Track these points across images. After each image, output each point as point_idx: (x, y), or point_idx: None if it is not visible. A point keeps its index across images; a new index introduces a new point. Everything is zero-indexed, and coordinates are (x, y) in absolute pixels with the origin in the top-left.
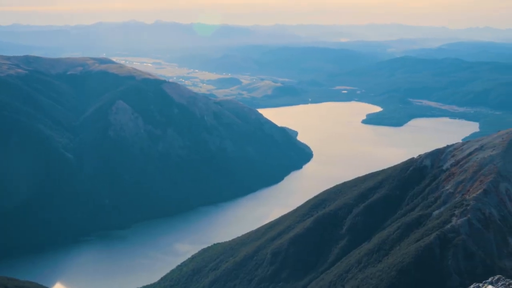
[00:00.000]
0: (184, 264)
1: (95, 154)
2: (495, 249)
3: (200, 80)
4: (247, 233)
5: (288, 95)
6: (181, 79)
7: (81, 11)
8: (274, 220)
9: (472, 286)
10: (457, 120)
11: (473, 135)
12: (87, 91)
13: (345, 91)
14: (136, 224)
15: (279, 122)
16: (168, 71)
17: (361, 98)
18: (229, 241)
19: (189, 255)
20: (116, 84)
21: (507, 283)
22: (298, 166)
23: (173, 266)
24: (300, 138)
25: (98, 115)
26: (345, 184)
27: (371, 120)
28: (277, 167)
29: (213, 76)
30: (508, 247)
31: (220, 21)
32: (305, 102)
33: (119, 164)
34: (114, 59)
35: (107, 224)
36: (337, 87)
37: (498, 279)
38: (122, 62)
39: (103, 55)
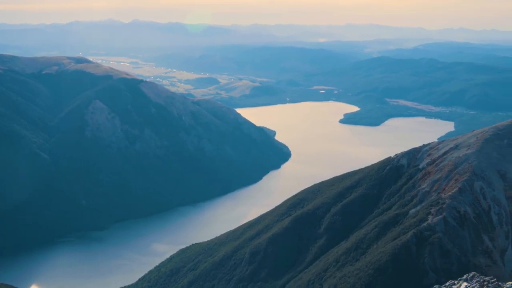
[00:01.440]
0: (162, 264)
1: (71, 154)
2: (470, 246)
3: (178, 80)
4: (226, 233)
5: (266, 95)
6: (158, 79)
7: (57, 9)
8: (253, 219)
9: (447, 283)
10: (433, 120)
11: (449, 134)
12: (63, 90)
13: (323, 91)
14: (113, 225)
15: (257, 122)
16: (145, 71)
17: (339, 98)
18: (208, 241)
19: (167, 256)
20: (92, 83)
21: (481, 280)
22: (276, 166)
23: (151, 267)
24: (278, 137)
25: (74, 115)
26: (323, 184)
27: (348, 119)
28: (256, 167)
29: (191, 75)
30: (482, 244)
31: (210, 21)
32: (283, 102)
33: (96, 165)
34: (90, 58)
35: (84, 225)
36: (315, 87)
37: (473, 276)
38: (99, 61)
39: (79, 54)
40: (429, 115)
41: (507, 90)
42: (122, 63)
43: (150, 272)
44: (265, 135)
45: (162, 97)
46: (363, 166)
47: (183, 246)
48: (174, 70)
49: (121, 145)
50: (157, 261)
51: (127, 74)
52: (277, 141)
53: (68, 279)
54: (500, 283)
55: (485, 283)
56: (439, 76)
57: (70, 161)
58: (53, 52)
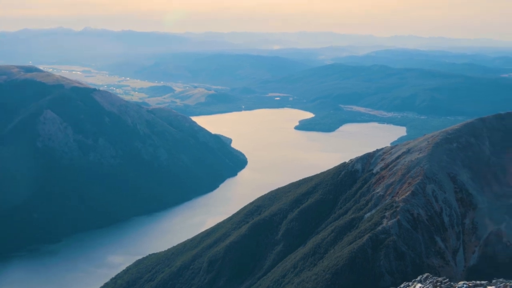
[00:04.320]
0: (118, 276)
1: (22, 166)
2: (424, 248)
3: (132, 88)
4: (183, 242)
5: (222, 103)
6: (112, 87)
7: (5, 17)
8: (210, 228)
9: (402, 285)
10: (385, 125)
11: (401, 139)
12: (12, 100)
13: (278, 98)
14: (67, 238)
15: (213, 130)
16: (98, 79)
17: (294, 104)
18: (165, 251)
19: (123, 267)
20: (43, 93)
21: (434, 281)
22: (233, 173)
23: (107, 279)
24: (234, 145)
25: (24, 126)
26: (279, 190)
27: (303, 126)
28: (212, 175)
29: (145, 84)
30: (435, 245)
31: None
32: (239, 109)
33: (48, 176)
34: (41, 67)
35: (37, 239)
36: (270, 94)
37: (426, 277)
38: (50, 70)
39: (29, 63)
40: (381, 120)
41: (455, 95)
42: (74, 72)
43: (106, 284)
44: (221, 142)
45: (116, 106)
46: (318, 172)
47: (140, 257)
48: (128, 78)
49: (74, 155)
50: (113, 273)
51: (79, 83)
52: (233, 148)
53: None
54: (452, 283)
55: (438, 283)
56: (391, 82)
57: (21, 173)
58: (1, 61)
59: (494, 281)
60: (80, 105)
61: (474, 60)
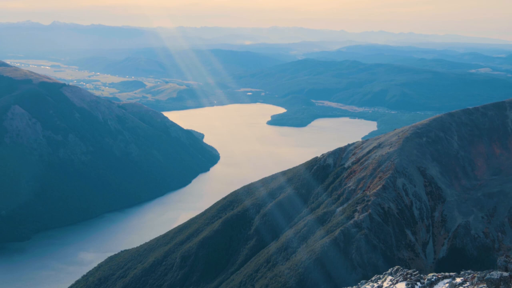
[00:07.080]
0: (90, 273)
1: None
2: (394, 241)
3: (102, 83)
4: (155, 238)
5: (194, 98)
6: (82, 83)
7: None
8: (183, 223)
9: (373, 278)
10: (356, 120)
11: (372, 133)
12: None
13: (250, 93)
14: (36, 235)
15: (185, 125)
16: (67, 74)
17: (266, 99)
18: (137, 247)
19: (95, 264)
20: (11, 88)
21: (404, 273)
22: (206, 169)
23: (79, 276)
24: (206, 140)
25: None
26: (252, 185)
27: (275, 121)
28: (185, 170)
29: (116, 79)
30: (405, 238)
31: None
32: (211, 104)
33: (17, 173)
34: (8, 62)
35: (5, 237)
36: (242, 89)
37: (397, 270)
38: (17, 64)
39: None
40: (353, 115)
41: (424, 90)
42: (42, 67)
43: (77, 282)
44: (193, 138)
45: (86, 101)
46: (291, 167)
47: (112, 254)
48: (98, 73)
49: (43, 151)
50: (85, 270)
51: (48, 78)
52: (205, 143)
53: None
54: (422, 275)
55: (408, 275)
56: (362, 77)
57: None
58: None
59: (462, 272)
60: (49, 100)
61: (443, 55)
